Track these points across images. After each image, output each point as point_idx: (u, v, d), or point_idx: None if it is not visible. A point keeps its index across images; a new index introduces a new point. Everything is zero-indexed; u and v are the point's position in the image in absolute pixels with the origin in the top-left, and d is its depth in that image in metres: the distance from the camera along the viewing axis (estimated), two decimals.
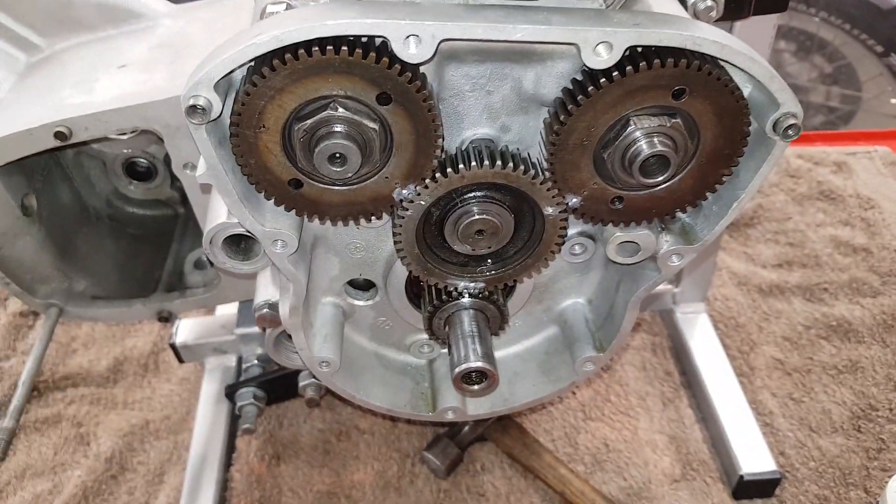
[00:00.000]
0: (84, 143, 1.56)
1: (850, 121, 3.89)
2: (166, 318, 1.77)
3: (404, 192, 1.08)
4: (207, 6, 1.68)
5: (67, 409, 2.08)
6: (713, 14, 1.30)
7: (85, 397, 2.10)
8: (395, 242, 1.15)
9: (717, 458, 1.94)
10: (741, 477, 1.83)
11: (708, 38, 0.96)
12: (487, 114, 1.11)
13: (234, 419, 1.97)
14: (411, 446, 1.94)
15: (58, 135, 1.40)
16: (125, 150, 1.80)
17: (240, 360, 2.04)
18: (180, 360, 2.06)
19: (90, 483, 1.90)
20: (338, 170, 1.01)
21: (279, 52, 0.91)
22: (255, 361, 1.94)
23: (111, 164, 1.84)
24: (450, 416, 1.46)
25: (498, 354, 1.43)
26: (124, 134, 1.43)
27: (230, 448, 1.96)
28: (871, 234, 2.50)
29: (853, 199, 2.64)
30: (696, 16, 1.28)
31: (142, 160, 1.83)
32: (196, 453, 1.92)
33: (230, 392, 1.89)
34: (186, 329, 2.04)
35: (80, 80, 1.51)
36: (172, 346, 2.02)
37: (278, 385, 1.90)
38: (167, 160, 1.73)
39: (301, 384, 1.76)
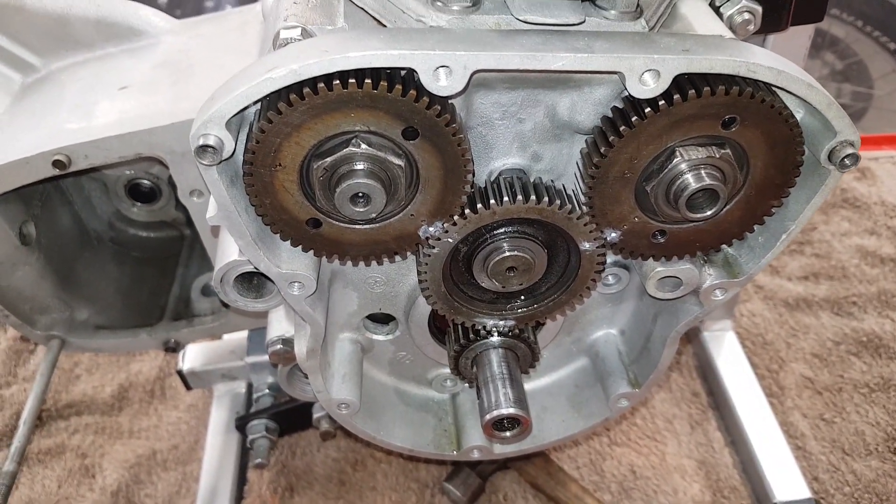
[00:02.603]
0: (83, 171, 1.48)
1: (862, 118, 3.81)
2: (173, 349, 1.70)
3: (431, 229, 1.00)
4: (211, 21, 1.60)
5: (71, 439, 2.00)
6: (751, 27, 1.22)
7: (89, 426, 2.03)
8: (420, 281, 1.07)
9: (748, 484, 1.86)
10: None
11: (763, 64, 0.88)
12: (518, 143, 1.03)
13: (245, 449, 1.89)
14: (430, 476, 1.86)
15: (56, 163, 1.32)
16: (127, 172, 1.73)
17: (250, 387, 1.96)
18: (188, 387, 1.98)
19: None
20: (360, 210, 0.92)
21: (296, 87, 0.83)
22: (267, 391, 1.86)
23: (113, 185, 1.76)
24: (475, 456, 1.38)
25: (525, 387, 1.35)
26: (126, 161, 1.35)
27: (241, 479, 1.88)
28: None
29: (878, 207, 2.56)
30: (732, 29, 1.20)
31: (145, 181, 1.75)
32: (206, 485, 1.84)
33: (241, 424, 1.82)
34: (194, 354, 1.96)
35: (78, 102, 1.43)
36: (179, 373, 1.94)
37: (291, 416, 1.82)
38: (171, 180, 1.65)
39: (315, 416, 1.69)
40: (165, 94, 1.40)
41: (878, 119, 3.80)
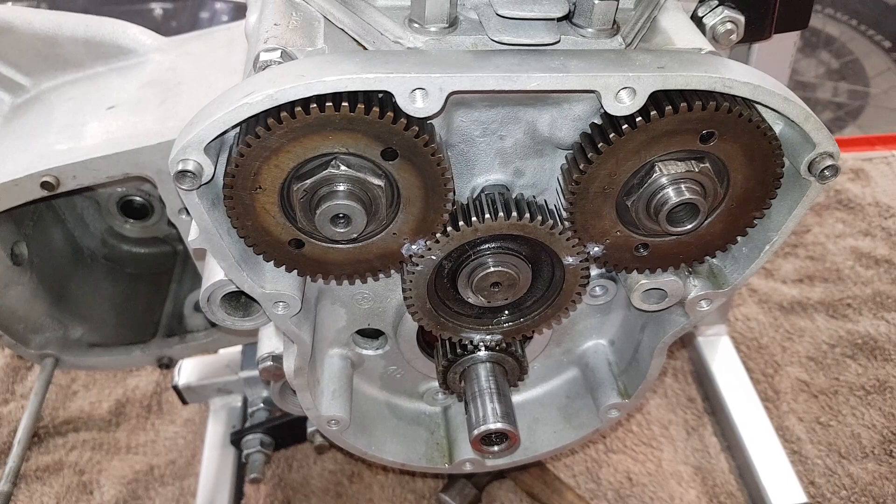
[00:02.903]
0: (75, 191, 1.49)
1: (859, 116, 3.81)
2: (167, 365, 1.70)
3: (414, 247, 1.01)
4: (198, 39, 1.61)
5: (69, 455, 2.01)
6: (734, 37, 1.23)
7: (87, 442, 2.03)
8: (406, 298, 1.07)
9: (744, 489, 1.86)
10: None
11: (738, 79, 0.88)
12: (500, 159, 1.03)
13: (241, 463, 1.89)
14: (427, 487, 1.86)
15: (45, 185, 1.33)
16: (119, 189, 1.73)
17: (245, 401, 1.97)
18: (184, 402, 1.98)
19: None
20: (342, 230, 0.93)
21: (274, 111, 0.84)
22: (262, 405, 1.86)
23: (105, 203, 1.77)
24: (468, 468, 1.38)
25: (516, 399, 1.36)
26: (114, 181, 1.36)
27: (238, 494, 1.88)
28: (892, 244, 2.42)
29: (872, 208, 2.55)
30: (715, 40, 1.21)
31: (137, 198, 1.76)
32: (203, 500, 1.84)
33: (236, 439, 1.82)
34: (189, 369, 1.96)
35: (67, 123, 1.43)
36: (175, 388, 1.95)
37: (286, 430, 1.82)
38: None
39: (309, 430, 1.69)
40: (153, 113, 1.41)
41: (875, 117, 3.80)
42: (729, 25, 1.19)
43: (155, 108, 1.42)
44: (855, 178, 2.67)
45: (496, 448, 1.15)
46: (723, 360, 2.06)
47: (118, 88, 1.51)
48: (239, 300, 1.18)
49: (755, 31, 1.31)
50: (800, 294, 2.29)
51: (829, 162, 0.96)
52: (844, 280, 2.32)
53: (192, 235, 0.96)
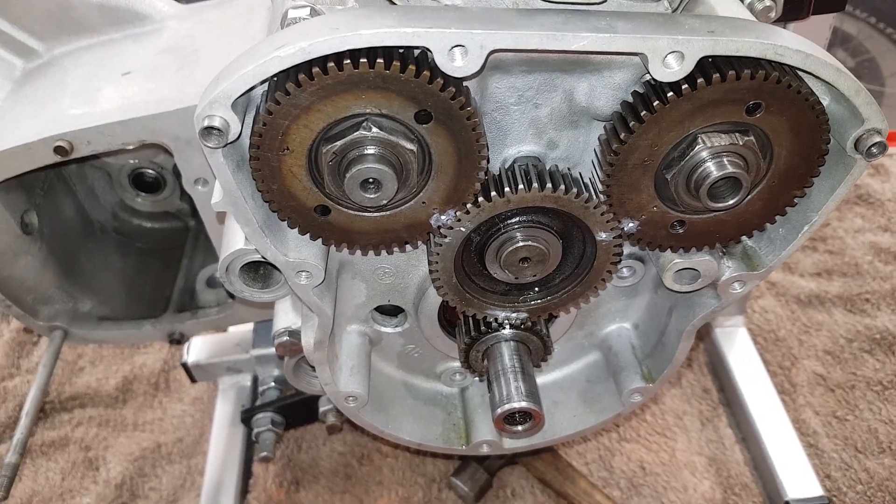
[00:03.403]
0: (86, 159, 1.45)
1: None
2: (178, 341, 1.67)
3: (443, 217, 0.97)
4: (217, 6, 1.57)
5: (75, 431, 1.98)
6: (772, 14, 1.18)
7: (93, 419, 2.00)
8: (431, 271, 1.04)
9: (759, 481, 1.83)
10: (787, 503, 1.72)
11: (791, 46, 0.84)
12: (534, 129, 1.00)
13: (250, 442, 1.87)
14: (437, 471, 1.83)
15: (58, 150, 1.29)
16: (131, 161, 1.70)
17: (255, 380, 1.94)
18: (193, 380, 1.95)
19: None
20: (371, 196, 0.89)
21: (305, 66, 0.80)
22: (273, 384, 1.83)
23: (117, 175, 1.74)
24: (485, 450, 1.35)
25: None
26: (130, 148, 1.32)
27: (247, 473, 1.86)
28: None
29: (892, 204, 2.52)
30: (753, 16, 1.17)
31: (149, 171, 1.73)
32: (211, 479, 1.82)
33: (246, 417, 1.79)
34: (198, 347, 1.93)
35: (81, 88, 1.40)
36: (184, 366, 1.92)
37: (297, 410, 1.79)
38: (176, 170, 1.62)
39: (322, 409, 1.66)
40: (170, 79, 1.37)
41: (890, 117, 3.72)
42: (768, 2, 1.15)
43: (172, 74, 1.38)
44: (875, 174, 2.63)
45: (519, 428, 1.12)
46: (739, 351, 2.03)
47: (134, 55, 1.47)
48: (258, 271, 1.15)
49: (793, 10, 1.28)
50: (818, 288, 2.25)
51: (877, 139, 0.93)
52: (863, 275, 2.29)
53: (216, 198, 0.93)
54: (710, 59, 0.86)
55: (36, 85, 1.46)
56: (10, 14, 1.46)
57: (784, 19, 1.30)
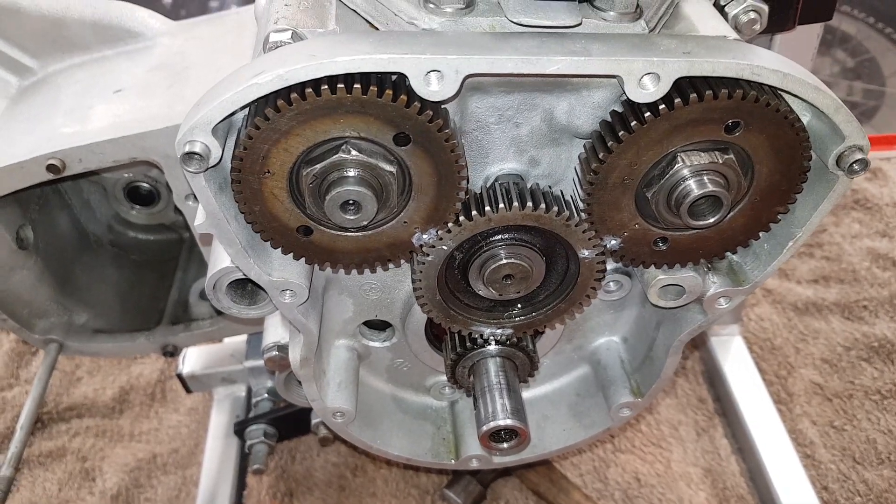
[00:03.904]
0: (81, 174, 1.47)
1: (874, 116, 3.74)
2: (171, 353, 1.68)
3: (424, 236, 0.98)
4: (207, 23, 1.58)
5: (72, 441, 1.99)
6: (757, 27, 1.18)
7: (90, 429, 2.02)
8: (415, 289, 1.04)
9: (755, 492, 1.82)
10: None
11: (767, 66, 0.84)
12: (515, 147, 1.00)
13: (244, 454, 1.87)
14: (431, 483, 1.84)
15: (50, 167, 1.30)
16: (126, 175, 1.71)
17: (249, 391, 1.94)
18: (188, 391, 1.96)
19: None
20: (351, 217, 0.90)
21: (284, 92, 0.81)
22: (266, 395, 1.84)
23: (112, 188, 1.75)
24: (474, 465, 1.35)
25: (525, 396, 1.32)
26: (121, 166, 1.33)
27: (241, 485, 1.86)
28: None
29: (890, 209, 2.51)
30: (738, 29, 1.17)
31: (144, 184, 1.74)
32: (205, 490, 1.82)
33: (239, 429, 1.80)
34: (193, 358, 1.94)
35: (73, 106, 1.41)
36: (179, 377, 1.93)
37: (290, 422, 1.80)
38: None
39: (314, 421, 1.66)
40: (160, 97, 1.38)
41: (891, 117, 3.73)
42: (752, 15, 1.15)
43: (163, 91, 1.39)
44: (872, 178, 2.63)
45: (505, 445, 1.12)
46: (735, 360, 2.03)
47: (126, 72, 1.48)
48: (245, 288, 1.16)
49: (779, 22, 1.27)
50: (815, 295, 2.25)
51: (858, 156, 0.92)
52: (860, 281, 2.28)
53: (199, 220, 0.93)
54: (687, 79, 0.86)
55: (30, 102, 1.48)
56: (5, 32, 1.48)
57: (770, 31, 1.30)
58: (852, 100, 3.84)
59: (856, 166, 0.93)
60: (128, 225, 1.81)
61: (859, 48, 4.12)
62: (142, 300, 1.76)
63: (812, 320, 2.18)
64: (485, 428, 1.09)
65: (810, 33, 1.50)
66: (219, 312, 1.64)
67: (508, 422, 1.08)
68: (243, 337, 1.92)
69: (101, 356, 1.76)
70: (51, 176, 1.31)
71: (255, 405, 1.84)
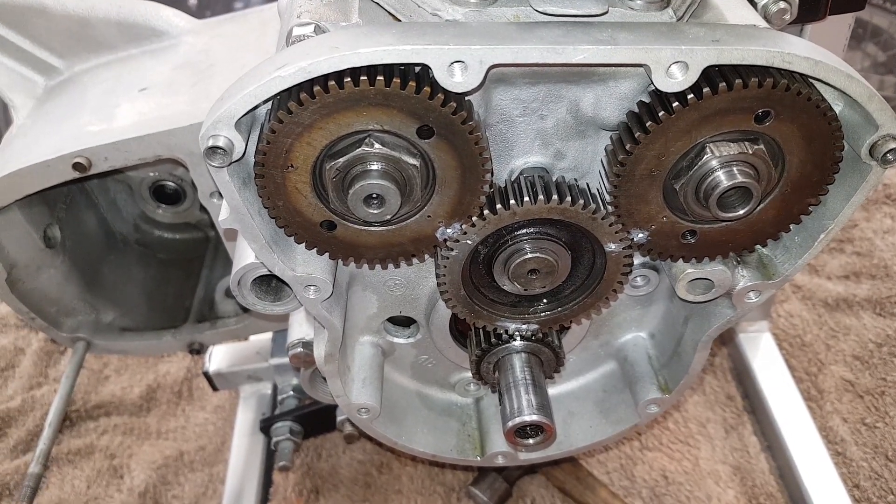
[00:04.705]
0: (107, 173, 1.48)
1: None
2: (198, 351, 1.69)
3: (448, 231, 0.97)
4: (231, 21, 1.59)
5: (100, 439, 2.01)
6: (787, 17, 1.16)
7: (118, 427, 2.04)
8: (439, 284, 1.04)
9: (785, 491, 1.79)
10: None
11: (799, 54, 0.82)
12: (540, 140, 0.99)
13: (270, 451, 1.88)
14: (457, 480, 1.83)
15: (76, 166, 1.32)
16: (152, 173, 1.72)
17: (275, 389, 1.95)
18: (214, 389, 1.98)
19: None
20: (375, 211, 0.89)
21: (307, 85, 0.81)
22: (291, 392, 1.84)
23: (138, 187, 1.76)
24: (500, 462, 1.34)
25: (550, 392, 1.31)
26: (146, 164, 1.34)
27: (267, 482, 1.87)
28: None
29: None
30: (767, 19, 1.15)
31: (169, 183, 1.75)
32: (232, 487, 1.83)
33: (265, 426, 1.80)
34: (220, 356, 1.96)
35: (99, 104, 1.42)
36: (206, 375, 1.94)
37: (315, 419, 1.80)
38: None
39: (339, 419, 1.67)
40: (185, 95, 1.39)
41: None
42: (782, 4, 1.12)
43: (187, 89, 1.40)
44: None
45: (531, 441, 1.11)
46: (764, 357, 1.99)
47: (150, 70, 1.49)
48: (270, 284, 1.16)
49: (809, 11, 1.24)
50: (846, 291, 2.20)
51: (892, 145, 0.90)
52: (893, 277, 2.23)
53: (223, 215, 0.93)
54: (716, 68, 0.85)
55: (56, 102, 1.50)
56: (32, 33, 1.50)
57: (800, 21, 1.27)
58: (884, 94, 3.75)
59: (889, 156, 0.91)
60: (154, 224, 1.82)
61: (891, 42, 4.03)
62: (168, 298, 1.78)
63: (843, 316, 2.14)
64: (510, 423, 1.08)
65: (841, 26, 1.47)
66: (244, 310, 1.65)
67: (534, 417, 1.07)
68: (269, 335, 1.93)
69: (128, 354, 1.77)
70: (77, 174, 1.32)
71: (280, 402, 1.85)
